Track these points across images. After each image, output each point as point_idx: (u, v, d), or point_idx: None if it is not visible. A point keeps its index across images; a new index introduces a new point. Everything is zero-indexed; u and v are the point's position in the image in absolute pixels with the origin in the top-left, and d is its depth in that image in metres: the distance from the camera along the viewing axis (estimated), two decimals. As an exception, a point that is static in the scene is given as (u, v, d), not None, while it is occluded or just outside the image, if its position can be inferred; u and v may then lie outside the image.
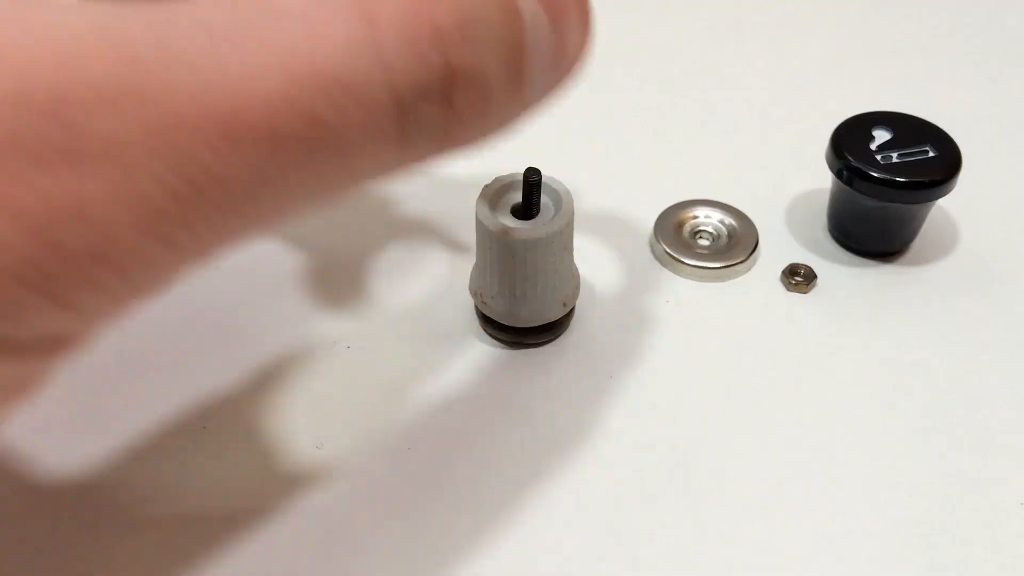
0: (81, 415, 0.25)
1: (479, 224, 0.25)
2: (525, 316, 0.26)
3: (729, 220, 0.31)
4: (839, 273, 0.30)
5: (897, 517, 0.23)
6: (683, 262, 0.30)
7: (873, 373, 0.27)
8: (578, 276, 0.27)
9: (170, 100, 0.12)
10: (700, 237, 0.31)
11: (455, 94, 0.16)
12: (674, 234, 0.31)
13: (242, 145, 0.13)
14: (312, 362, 0.27)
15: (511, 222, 0.25)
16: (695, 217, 0.32)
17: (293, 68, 0.13)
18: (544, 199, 0.25)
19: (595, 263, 0.30)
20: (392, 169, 0.16)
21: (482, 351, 0.27)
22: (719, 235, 0.31)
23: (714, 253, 0.30)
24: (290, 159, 0.14)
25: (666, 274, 0.30)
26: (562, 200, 0.25)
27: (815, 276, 0.30)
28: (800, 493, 0.24)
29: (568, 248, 0.26)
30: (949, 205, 0.32)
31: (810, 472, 0.24)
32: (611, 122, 0.37)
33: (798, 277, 0.29)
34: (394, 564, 0.22)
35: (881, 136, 0.29)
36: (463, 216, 0.32)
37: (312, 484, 0.24)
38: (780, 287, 0.30)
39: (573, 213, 0.25)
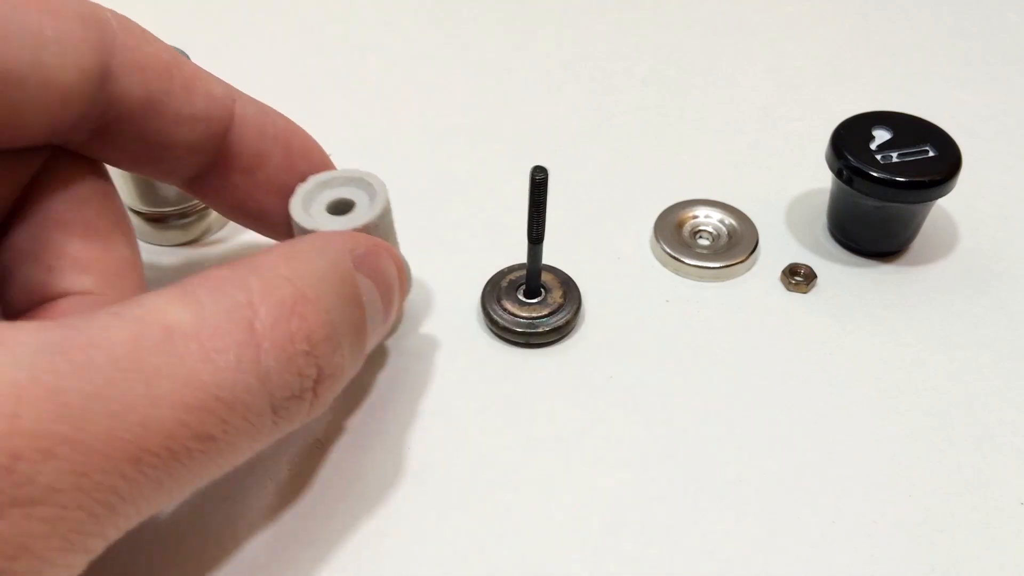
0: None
1: (294, 223, 0.24)
2: None
3: (729, 220, 0.31)
4: (839, 273, 0.30)
5: (897, 517, 0.23)
6: (683, 262, 0.30)
7: (873, 373, 0.27)
8: (408, 270, 0.26)
9: (93, 441, 0.15)
10: (700, 237, 0.31)
11: (320, 387, 0.19)
12: (674, 234, 0.31)
13: (146, 468, 0.16)
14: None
15: (325, 219, 0.24)
16: (695, 217, 0.32)
17: (187, 397, 0.16)
18: (359, 193, 0.25)
19: (595, 263, 0.30)
20: (262, 447, 0.19)
21: (487, 352, 0.27)
22: (719, 235, 0.31)
23: (714, 253, 0.30)
24: (183, 470, 0.16)
25: (666, 274, 0.30)
26: (377, 193, 0.24)
27: (815, 276, 0.30)
28: (800, 493, 0.24)
29: (388, 240, 0.25)
30: (949, 205, 0.32)
31: (810, 472, 0.24)
32: (611, 122, 0.37)
33: (798, 277, 0.29)
34: (394, 563, 0.22)
35: (881, 136, 0.29)
36: (470, 212, 0.32)
37: (313, 482, 0.24)
38: (780, 287, 0.30)
39: (388, 205, 0.24)
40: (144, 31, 0.22)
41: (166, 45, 0.22)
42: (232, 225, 0.31)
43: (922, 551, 0.23)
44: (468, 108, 0.37)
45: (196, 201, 0.30)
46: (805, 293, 0.29)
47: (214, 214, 0.31)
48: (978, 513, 0.24)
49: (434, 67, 0.39)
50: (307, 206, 0.24)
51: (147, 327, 0.16)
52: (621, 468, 0.24)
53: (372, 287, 0.21)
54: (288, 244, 0.20)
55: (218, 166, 0.23)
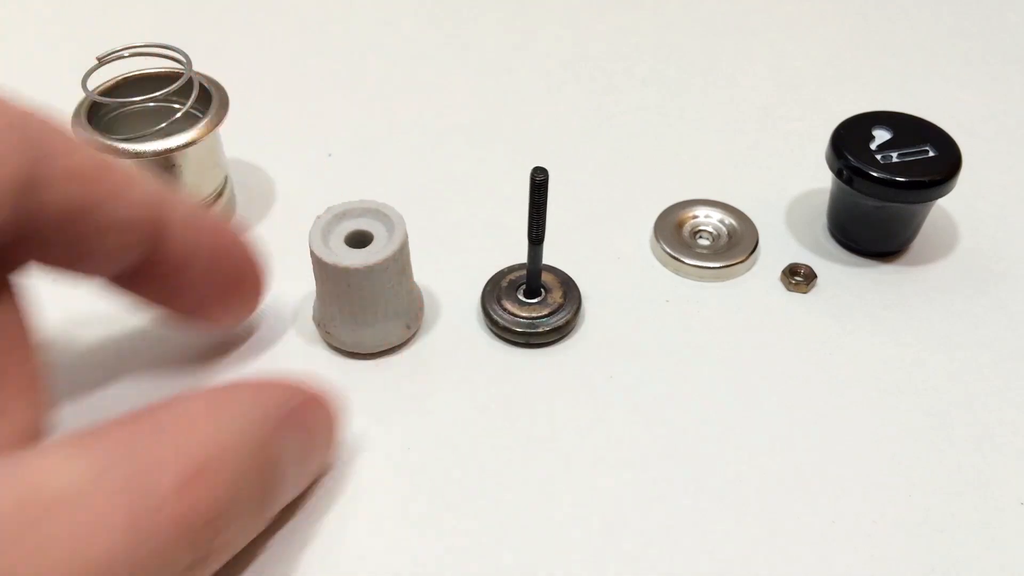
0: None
1: (313, 255, 0.25)
2: (368, 343, 0.26)
3: (729, 220, 0.31)
4: (839, 273, 0.30)
5: (897, 517, 0.23)
6: (683, 262, 0.30)
7: (873, 373, 0.27)
8: (421, 298, 0.28)
9: None
10: (700, 237, 0.31)
11: (198, 566, 0.18)
12: (674, 234, 0.31)
13: None
14: (318, 359, 0.27)
15: (344, 252, 0.25)
16: (695, 217, 0.32)
17: (71, 571, 0.15)
18: (376, 225, 0.26)
19: (595, 263, 0.30)
20: None
21: (487, 352, 0.27)
22: (719, 235, 0.31)
23: (714, 253, 0.30)
24: None
25: (666, 274, 0.30)
26: (395, 226, 0.25)
27: (815, 276, 0.30)
28: (800, 492, 0.24)
29: (405, 272, 0.26)
30: (949, 205, 0.32)
31: (810, 471, 0.24)
32: (611, 122, 0.37)
33: (798, 277, 0.29)
34: (394, 563, 0.22)
35: (881, 136, 0.29)
36: (470, 212, 0.32)
37: (315, 482, 0.24)
38: (780, 287, 0.30)
39: (406, 238, 0.25)
40: (73, 138, 0.21)
41: (94, 151, 0.21)
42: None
43: (922, 551, 0.23)
44: (468, 108, 0.37)
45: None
46: (805, 293, 0.29)
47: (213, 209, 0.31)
48: (978, 513, 0.24)
49: (434, 67, 0.39)
50: (326, 238, 0.25)
51: (38, 493, 0.16)
52: (621, 468, 0.24)
53: (297, 443, 0.21)
54: (218, 394, 0.20)
55: (143, 266, 0.23)
